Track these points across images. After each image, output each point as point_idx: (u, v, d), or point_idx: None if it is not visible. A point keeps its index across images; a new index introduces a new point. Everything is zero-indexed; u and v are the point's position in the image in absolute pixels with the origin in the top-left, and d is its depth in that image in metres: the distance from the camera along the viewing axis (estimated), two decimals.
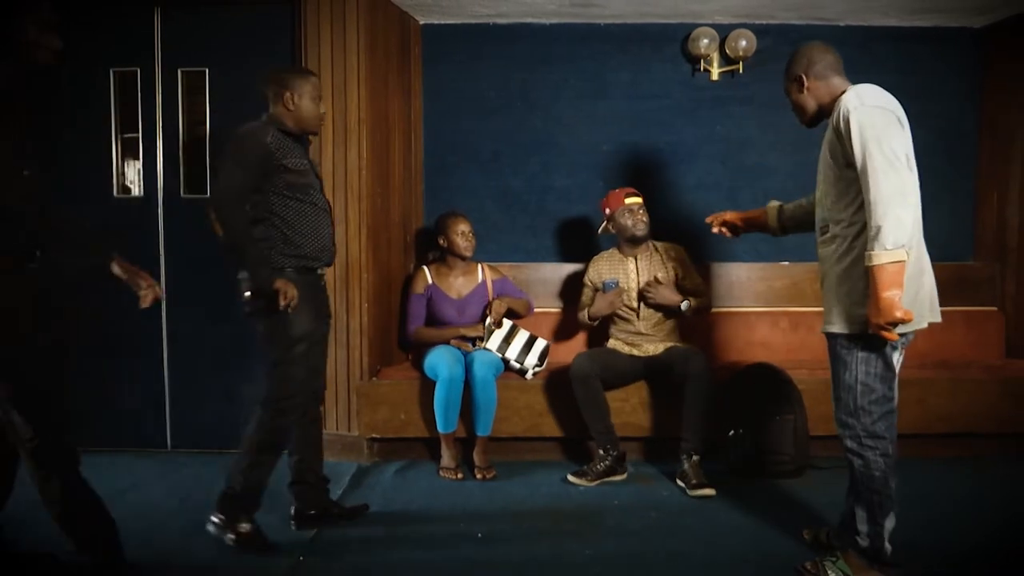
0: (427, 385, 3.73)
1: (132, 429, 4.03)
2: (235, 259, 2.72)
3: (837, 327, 2.41)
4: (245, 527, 2.78)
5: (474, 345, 3.80)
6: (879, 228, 2.17)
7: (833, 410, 2.48)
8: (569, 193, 4.48)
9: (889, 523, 2.39)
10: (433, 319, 3.94)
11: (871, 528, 2.39)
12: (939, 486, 3.40)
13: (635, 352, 3.74)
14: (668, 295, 3.65)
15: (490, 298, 3.95)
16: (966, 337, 4.22)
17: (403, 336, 4.06)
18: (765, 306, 4.34)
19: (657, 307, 3.71)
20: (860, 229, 2.31)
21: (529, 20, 4.38)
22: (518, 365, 3.79)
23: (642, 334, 3.75)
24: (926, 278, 2.40)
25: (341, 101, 3.79)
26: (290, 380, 2.78)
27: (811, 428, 3.57)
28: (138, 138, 3.99)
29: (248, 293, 2.74)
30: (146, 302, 2.47)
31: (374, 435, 3.82)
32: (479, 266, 4.04)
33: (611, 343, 3.82)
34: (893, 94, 2.37)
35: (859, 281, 2.32)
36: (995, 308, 4.37)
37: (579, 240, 4.44)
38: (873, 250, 2.19)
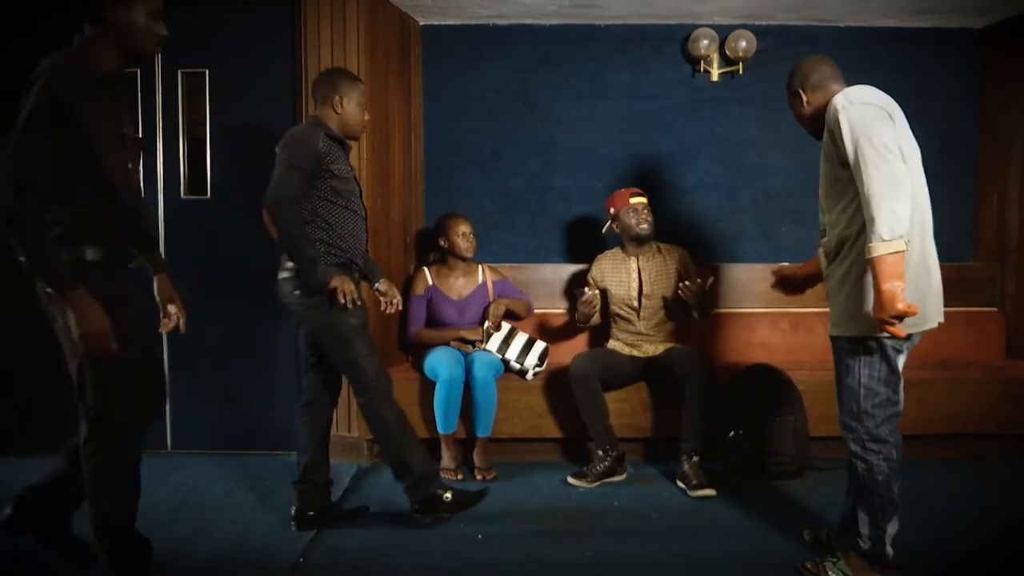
0: (427, 386, 3.73)
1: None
2: (295, 259, 2.76)
3: (840, 330, 2.41)
4: (447, 495, 2.97)
5: (474, 347, 3.80)
6: (874, 220, 2.16)
7: (837, 413, 2.47)
8: (569, 193, 4.49)
9: (891, 528, 2.39)
10: (433, 320, 3.94)
11: (873, 532, 2.39)
12: (939, 487, 3.40)
13: (635, 353, 3.74)
14: (697, 291, 3.54)
15: (490, 299, 3.95)
16: (966, 337, 4.22)
17: (403, 337, 4.06)
18: (765, 307, 4.34)
19: (658, 307, 3.72)
20: (859, 231, 2.31)
21: (529, 21, 4.38)
22: (518, 366, 3.79)
23: (642, 335, 3.75)
24: (933, 278, 2.39)
25: None
26: (372, 365, 2.88)
27: (811, 429, 3.57)
28: (138, 140, 3.98)
29: (297, 292, 2.80)
30: (166, 328, 2.49)
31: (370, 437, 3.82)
32: (479, 267, 4.03)
33: (611, 344, 3.82)
34: (893, 95, 2.38)
35: (859, 283, 2.32)
36: (995, 309, 4.37)
37: (579, 240, 4.44)
38: (871, 242, 2.17)
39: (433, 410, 3.63)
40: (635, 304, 3.75)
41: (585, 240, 4.37)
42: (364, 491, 3.47)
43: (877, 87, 2.39)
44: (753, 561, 2.70)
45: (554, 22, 4.40)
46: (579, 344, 4.19)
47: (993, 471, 3.62)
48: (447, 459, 3.66)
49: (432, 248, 4.12)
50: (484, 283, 3.99)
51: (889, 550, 2.39)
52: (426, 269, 3.99)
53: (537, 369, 3.82)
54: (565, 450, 3.93)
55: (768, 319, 4.31)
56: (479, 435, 3.66)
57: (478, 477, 3.62)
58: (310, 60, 3.77)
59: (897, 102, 2.37)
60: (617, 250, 3.88)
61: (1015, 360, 4.20)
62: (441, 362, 3.62)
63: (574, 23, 4.40)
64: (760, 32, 4.30)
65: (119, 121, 2.24)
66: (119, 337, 2.10)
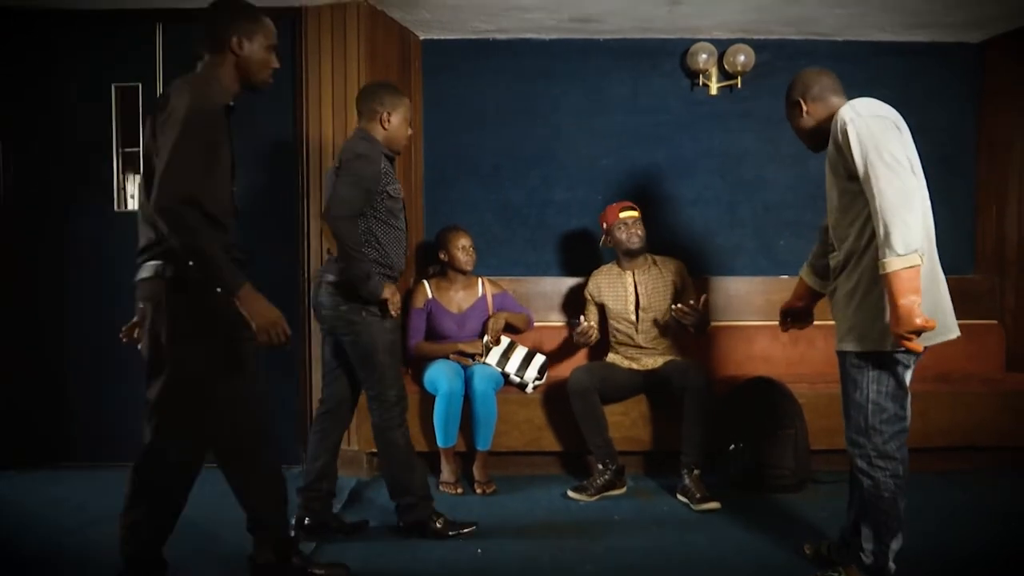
0: (427, 399, 3.72)
1: (130, 444, 4.00)
2: (351, 271, 2.80)
3: (847, 345, 2.38)
4: (439, 523, 3.01)
5: (473, 360, 3.80)
6: (887, 234, 2.13)
7: (844, 428, 2.44)
8: (569, 207, 4.50)
9: (895, 543, 2.36)
10: (433, 333, 3.94)
11: (877, 547, 2.36)
12: (939, 499, 3.39)
13: (634, 366, 3.74)
14: (693, 314, 3.51)
15: (490, 312, 3.95)
16: (966, 350, 4.19)
17: (403, 351, 4.05)
18: (764, 320, 4.34)
19: (656, 320, 3.72)
20: (867, 244, 2.28)
21: (529, 35, 4.41)
22: (518, 379, 3.79)
23: (641, 348, 3.74)
24: (943, 289, 2.37)
25: (341, 115, 3.81)
26: (396, 389, 2.95)
27: (811, 442, 3.57)
28: (139, 153, 4.00)
29: (345, 307, 2.86)
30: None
31: (374, 450, 3.79)
32: (479, 280, 4.04)
33: (610, 357, 3.82)
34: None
35: (868, 297, 2.29)
36: (995, 321, 4.38)
37: (579, 254, 4.44)
38: (885, 257, 2.14)
39: (433, 423, 3.63)
40: (633, 318, 3.74)
41: (585, 254, 4.38)
42: (363, 504, 3.45)
43: None
44: (754, 575, 2.69)
45: (554, 36, 4.42)
46: (579, 357, 4.19)
47: (993, 484, 3.61)
48: (447, 473, 3.65)
49: (432, 261, 4.12)
50: (484, 296, 3.99)
51: (891, 565, 2.37)
52: (426, 282, 3.99)
53: (537, 382, 3.81)
54: (565, 463, 3.92)
55: (768, 332, 4.30)
56: (479, 448, 3.65)
57: (478, 491, 3.61)
58: (311, 73, 3.79)
59: None
60: (613, 264, 3.88)
61: (1015, 373, 4.20)
62: (441, 375, 3.62)
63: (574, 37, 4.42)
64: (758, 46, 4.32)
65: (231, 147, 2.33)
66: (247, 350, 2.30)
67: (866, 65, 4.36)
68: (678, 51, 4.41)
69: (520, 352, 3.86)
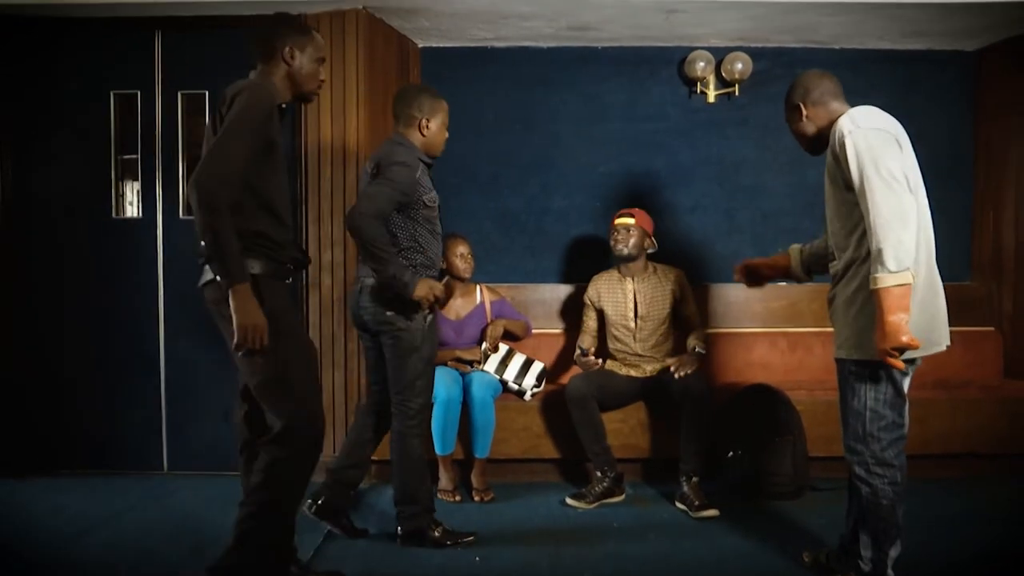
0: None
1: (129, 451, 4.01)
2: (381, 270, 2.78)
3: (846, 352, 2.38)
4: (437, 533, 2.99)
5: (472, 367, 3.80)
6: (880, 251, 2.14)
7: (842, 436, 2.44)
8: (567, 214, 4.50)
9: (894, 551, 2.36)
10: None
11: (875, 554, 2.37)
12: (938, 506, 3.39)
13: (632, 373, 3.74)
14: (690, 363, 3.53)
15: (489, 319, 3.95)
16: (964, 357, 4.21)
17: None
18: (763, 327, 4.35)
19: (655, 327, 3.72)
20: (866, 254, 2.28)
21: (527, 43, 4.42)
22: (516, 386, 3.79)
23: (639, 355, 3.74)
24: (940, 300, 2.38)
25: (340, 123, 3.82)
26: (422, 400, 2.98)
27: (810, 449, 3.56)
28: (137, 159, 4.01)
29: (391, 312, 2.85)
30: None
31: (372, 457, 3.79)
32: (478, 287, 4.04)
33: (609, 364, 3.82)
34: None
35: (866, 306, 2.29)
36: (992, 328, 4.38)
37: (578, 261, 4.45)
38: (877, 273, 2.15)
39: (431, 431, 3.62)
40: (631, 325, 3.75)
41: (583, 261, 4.38)
42: (363, 511, 3.44)
43: None
44: None
45: (552, 45, 4.44)
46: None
47: (992, 491, 3.61)
48: (445, 480, 3.65)
49: None
50: (482, 303, 3.99)
51: (890, 572, 2.37)
52: None
53: (535, 389, 3.81)
54: (563, 471, 3.91)
55: (766, 339, 4.31)
56: (477, 456, 3.65)
57: (476, 498, 3.60)
58: None
59: None
60: (613, 270, 3.88)
61: (1013, 379, 4.20)
62: (439, 382, 3.60)
63: (572, 45, 4.43)
64: (756, 54, 4.34)
65: (281, 150, 2.40)
66: (300, 337, 2.45)
67: (862, 73, 4.36)
68: (676, 59, 4.43)
69: (518, 359, 3.86)
